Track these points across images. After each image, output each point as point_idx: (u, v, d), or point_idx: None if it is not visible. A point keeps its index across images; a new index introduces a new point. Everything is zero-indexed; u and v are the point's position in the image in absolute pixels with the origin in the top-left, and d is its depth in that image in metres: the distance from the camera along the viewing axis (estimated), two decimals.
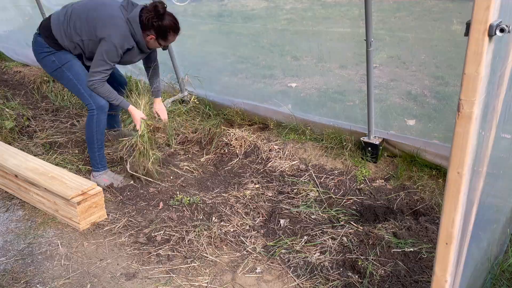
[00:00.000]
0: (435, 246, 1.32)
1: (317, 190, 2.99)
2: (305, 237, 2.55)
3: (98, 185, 2.85)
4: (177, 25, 2.82)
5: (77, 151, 3.60)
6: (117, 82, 3.29)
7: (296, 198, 2.93)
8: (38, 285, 2.27)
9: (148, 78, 3.33)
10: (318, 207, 2.81)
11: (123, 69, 4.90)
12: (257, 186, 3.10)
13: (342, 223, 2.65)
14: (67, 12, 2.86)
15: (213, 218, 2.76)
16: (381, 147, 3.19)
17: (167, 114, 3.40)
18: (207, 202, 2.93)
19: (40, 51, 2.90)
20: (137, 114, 3.02)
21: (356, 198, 2.89)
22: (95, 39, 2.77)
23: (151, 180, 3.13)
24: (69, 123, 4.07)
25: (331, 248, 2.45)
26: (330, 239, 2.51)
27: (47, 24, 2.88)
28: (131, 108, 3.01)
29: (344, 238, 2.52)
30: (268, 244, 2.53)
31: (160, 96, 3.34)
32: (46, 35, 2.86)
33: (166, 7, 2.76)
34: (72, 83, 2.91)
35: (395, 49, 3.71)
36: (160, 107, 3.31)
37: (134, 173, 3.12)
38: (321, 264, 2.34)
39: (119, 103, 2.97)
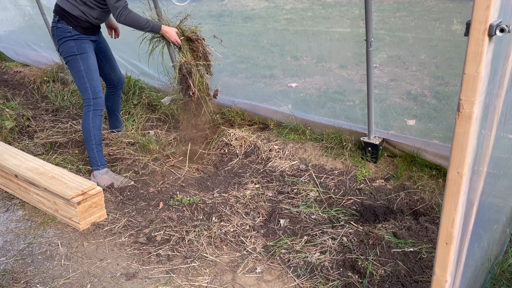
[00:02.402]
0: (435, 246, 1.31)
1: (317, 190, 2.99)
2: (305, 237, 2.55)
3: (98, 185, 2.86)
4: None
5: (77, 151, 3.60)
6: (117, 79, 3.52)
7: (296, 198, 2.93)
8: (38, 285, 2.27)
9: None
10: (318, 207, 2.81)
11: (123, 70, 4.90)
12: (257, 186, 3.10)
13: (342, 223, 2.65)
14: None
15: (213, 218, 2.76)
16: (381, 147, 3.19)
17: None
18: (207, 202, 2.93)
19: (62, 36, 3.00)
20: (172, 30, 3.12)
21: (356, 198, 2.89)
22: None
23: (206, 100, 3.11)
24: (69, 123, 4.07)
25: (331, 248, 2.45)
26: (330, 239, 2.51)
27: (57, 5, 3.03)
28: (164, 28, 3.10)
29: (344, 238, 2.52)
30: (268, 244, 2.53)
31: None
32: (64, 14, 2.98)
33: None
34: (80, 74, 3.01)
35: (395, 49, 3.72)
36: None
37: (196, 92, 3.02)
38: (321, 264, 2.34)
39: (152, 27, 3.06)
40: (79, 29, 3.00)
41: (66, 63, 3.10)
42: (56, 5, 3.03)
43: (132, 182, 3.16)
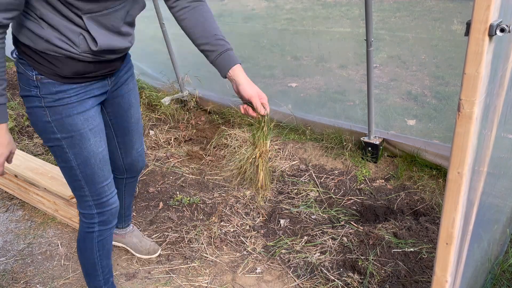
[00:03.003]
0: (435, 246, 1.31)
1: (317, 190, 2.98)
2: (305, 237, 2.54)
3: None
4: None
5: None
6: (130, 164, 2.05)
7: (296, 198, 2.93)
8: (38, 285, 2.27)
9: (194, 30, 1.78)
10: (318, 207, 2.81)
11: None
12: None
13: (342, 223, 2.65)
14: None
15: (213, 218, 2.76)
16: (381, 147, 3.19)
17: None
18: (207, 202, 2.93)
19: (26, 94, 1.49)
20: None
21: (356, 198, 2.88)
22: None
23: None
24: None
25: (331, 248, 2.44)
26: (330, 239, 2.51)
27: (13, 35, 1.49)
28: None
29: (344, 238, 2.51)
30: (268, 244, 2.53)
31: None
32: (23, 50, 1.45)
33: None
34: (73, 172, 1.62)
35: (395, 49, 3.71)
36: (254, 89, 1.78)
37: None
38: (321, 264, 2.33)
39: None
40: (57, 77, 1.45)
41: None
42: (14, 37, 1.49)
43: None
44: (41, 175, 2.82)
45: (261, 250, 2.48)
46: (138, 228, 2.69)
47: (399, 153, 3.19)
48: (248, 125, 3.87)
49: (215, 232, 2.61)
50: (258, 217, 2.77)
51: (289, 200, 2.91)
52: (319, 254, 2.41)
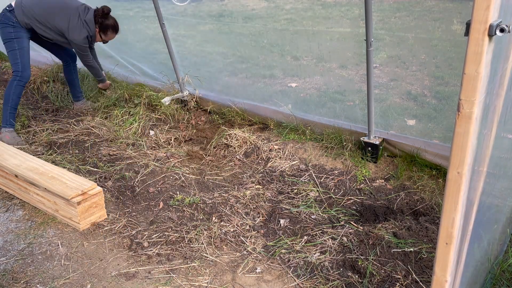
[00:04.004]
0: (435, 246, 1.31)
1: (317, 190, 2.99)
2: (305, 237, 2.55)
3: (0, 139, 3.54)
4: (116, 27, 3.78)
5: (77, 151, 3.60)
6: (68, 55, 4.19)
7: (296, 198, 2.93)
8: (38, 285, 2.27)
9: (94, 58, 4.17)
10: (318, 207, 2.81)
11: (123, 70, 4.90)
12: (257, 186, 3.10)
13: (342, 223, 2.65)
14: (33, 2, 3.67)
15: (213, 218, 2.76)
16: (381, 147, 3.19)
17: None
18: (207, 202, 2.93)
19: (4, 22, 3.65)
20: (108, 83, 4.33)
21: (356, 198, 2.89)
22: (56, 30, 3.70)
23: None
24: (69, 123, 4.07)
25: (331, 248, 2.45)
26: (330, 239, 2.51)
27: (18, 3, 3.69)
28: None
29: (344, 238, 2.52)
30: (268, 244, 2.53)
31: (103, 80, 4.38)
32: (16, 13, 3.66)
33: (110, 11, 3.70)
34: (14, 52, 3.66)
35: (395, 49, 3.72)
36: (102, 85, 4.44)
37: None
38: (321, 264, 2.34)
39: (102, 78, 4.22)
40: (22, 23, 3.65)
41: (4, 44, 3.72)
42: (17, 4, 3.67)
43: (25, 144, 3.68)
44: (41, 175, 2.82)
45: (261, 250, 2.48)
46: (138, 228, 2.69)
47: (399, 153, 3.19)
48: (248, 125, 3.87)
49: (215, 232, 2.61)
50: (258, 217, 2.77)
51: (289, 200, 2.91)
52: (319, 254, 2.41)
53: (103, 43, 3.96)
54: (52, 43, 3.97)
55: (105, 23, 3.70)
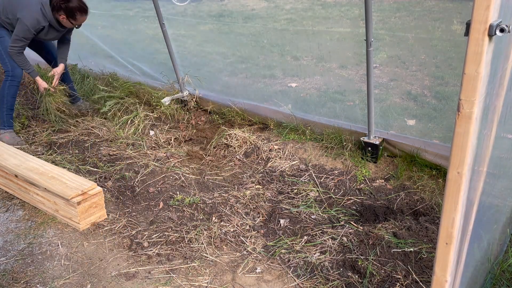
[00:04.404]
0: (435, 246, 1.31)
1: (317, 190, 2.99)
2: (305, 237, 2.55)
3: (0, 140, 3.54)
4: (83, 7, 3.43)
5: (77, 151, 3.60)
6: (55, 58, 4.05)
7: (296, 198, 2.93)
8: (38, 285, 2.27)
9: (58, 50, 3.93)
10: (318, 207, 2.81)
11: (123, 70, 4.90)
12: (257, 186, 3.10)
13: (342, 223, 2.65)
14: None
15: (213, 218, 2.76)
16: (381, 147, 3.19)
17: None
18: (207, 202, 2.93)
19: None
20: (42, 83, 3.80)
21: (356, 198, 2.89)
22: (16, 18, 3.45)
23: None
24: (69, 123, 4.07)
25: (331, 248, 2.45)
26: (330, 239, 2.51)
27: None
28: (38, 78, 3.76)
29: (344, 238, 2.52)
30: (268, 244, 2.53)
31: (64, 64, 3.94)
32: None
33: None
34: (0, 53, 3.62)
35: (395, 49, 3.72)
36: (57, 70, 3.90)
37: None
38: (321, 264, 2.34)
39: (30, 72, 3.68)
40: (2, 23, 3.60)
41: None
42: None
43: (25, 144, 3.68)
44: (41, 175, 2.82)
45: (261, 250, 2.48)
46: (138, 228, 2.69)
47: (399, 153, 3.19)
48: (248, 125, 3.87)
49: (215, 232, 2.61)
50: (258, 217, 2.77)
51: (289, 200, 2.91)
52: (319, 254, 2.41)
53: (76, 27, 3.61)
54: (35, 43, 3.88)
55: (70, 7, 3.37)
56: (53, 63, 4.07)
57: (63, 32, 3.71)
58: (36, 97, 4.72)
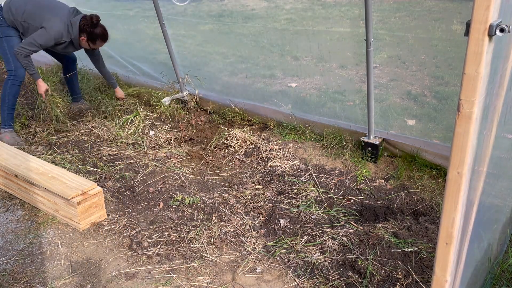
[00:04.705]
0: (435, 246, 1.31)
1: (317, 190, 2.99)
2: (305, 237, 2.55)
3: (0, 140, 3.57)
4: (106, 35, 3.69)
5: (77, 151, 3.60)
6: (66, 57, 4.21)
7: (296, 198, 2.93)
8: (38, 285, 2.27)
9: (102, 75, 4.25)
10: (318, 207, 2.81)
11: (123, 69, 4.89)
12: (257, 186, 3.10)
13: (342, 223, 2.65)
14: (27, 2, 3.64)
15: (213, 218, 2.76)
16: (381, 147, 3.19)
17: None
18: (207, 202, 2.93)
19: None
20: (43, 86, 3.79)
21: (356, 198, 2.89)
22: (38, 26, 3.56)
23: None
24: (69, 123, 4.07)
25: (331, 248, 2.45)
26: (330, 239, 2.51)
27: (6, 3, 3.71)
28: (40, 80, 3.76)
29: (344, 238, 2.52)
30: (268, 244, 2.53)
31: (117, 86, 4.29)
32: (4, 10, 3.68)
33: (99, 20, 3.62)
34: (5, 51, 3.67)
35: (395, 49, 3.71)
36: (119, 93, 4.28)
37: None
38: (321, 264, 2.34)
39: (32, 74, 3.69)
40: (9, 22, 3.66)
41: None
42: (6, 4, 3.69)
43: (25, 144, 3.70)
44: (41, 175, 2.82)
45: (261, 250, 2.48)
46: (138, 228, 2.69)
47: (399, 153, 3.19)
48: (248, 125, 3.87)
49: (215, 232, 2.61)
50: (258, 217, 2.77)
51: (289, 200, 2.91)
52: (319, 254, 2.41)
53: (92, 50, 3.91)
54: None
55: (94, 33, 3.61)
56: (64, 63, 4.24)
57: (79, 49, 3.90)
58: (36, 97, 4.73)
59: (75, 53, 4.18)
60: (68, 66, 4.24)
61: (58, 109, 3.95)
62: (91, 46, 3.73)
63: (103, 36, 3.68)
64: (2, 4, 3.70)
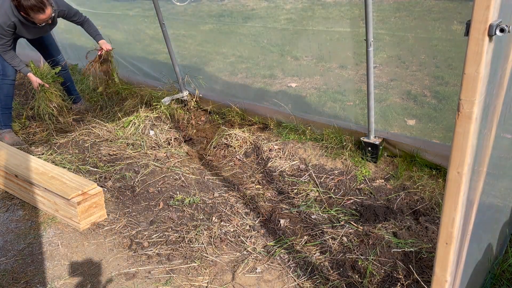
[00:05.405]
0: (435, 246, 1.31)
1: (317, 190, 2.99)
2: (305, 237, 2.55)
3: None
4: (36, 5, 3.29)
5: (77, 151, 3.60)
6: (56, 62, 4.11)
7: (296, 198, 2.93)
8: (38, 285, 2.27)
9: (87, 32, 3.97)
10: (318, 207, 2.81)
11: (123, 69, 4.89)
12: (257, 186, 3.10)
13: (342, 223, 2.65)
14: None
15: (213, 218, 2.76)
16: (381, 147, 3.19)
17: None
18: (207, 202, 2.93)
19: None
20: (35, 80, 3.74)
21: (356, 198, 2.89)
22: None
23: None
24: (68, 123, 4.07)
25: (331, 248, 2.45)
26: (330, 239, 2.51)
27: None
28: (30, 74, 3.70)
29: (344, 238, 2.52)
30: (268, 244, 2.53)
31: (103, 38, 3.98)
32: None
33: None
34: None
35: (395, 49, 3.71)
36: (103, 42, 3.97)
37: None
38: (321, 264, 2.34)
39: (20, 69, 3.61)
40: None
41: None
42: None
43: (25, 144, 3.68)
44: (41, 175, 2.82)
45: (261, 250, 2.48)
46: (138, 228, 2.69)
47: (399, 153, 3.19)
48: (248, 125, 3.87)
49: (215, 232, 2.61)
50: (258, 217, 2.77)
51: (289, 200, 2.91)
52: (319, 254, 2.41)
53: (39, 24, 3.48)
54: (36, 42, 3.94)
55: (22, 4, 3.28)
56: (50, 62, 4.10)
57: (46, 26, 3.62)
58: (36, 97, 4.72)
59: (64, 52, 4.10)
60: (47, 56, 4.08)
61: (52, 104, 3.88)
62: (29, 19, 3.41)
63: (33, 7, 3.30)
64: None
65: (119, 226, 2.71)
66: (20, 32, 3.56)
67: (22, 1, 3.25)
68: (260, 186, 3.09)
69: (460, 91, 1.09)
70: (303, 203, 2.86)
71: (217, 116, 4.10)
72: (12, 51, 3.55)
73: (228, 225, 2.69)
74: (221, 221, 2.73)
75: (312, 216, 2.73)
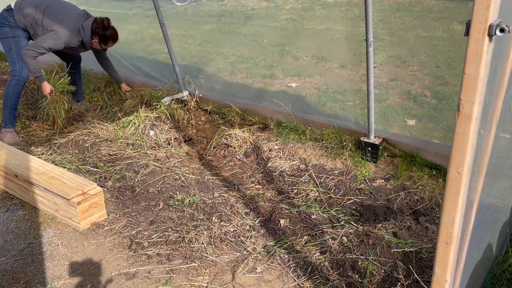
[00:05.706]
0: (435, 246, 1.31)
1: (317, 190, 2.99)
2: (305, 237, 2.55)
3: (0, 139, 3.62)
4: (116, 37, 3.81)
5: (77, 151, 3.60)
6: (76, 59, 4.28)
7: (296, 198, 2.93)
8: (38, 285, 2.27)
9: (108, 72, 4.38)
10: (318, 207, 2.81)
11: (124, 69, 4.89)
12: (257, 186, 3.10)
13: (342, 223, 2.65)
14: (40, 4, 3.68)
15: (213, 218, 2.76)
16: (381, 147, 3.19)
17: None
18: (207, 202, 2.93)
19: (1, 21, 3.70)
20: (48, 87, 3.79)
21: (356, 198, 2.89)
22: (48, 29, 3.61)
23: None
24: (68, 123, 4.07)
25: (331, 248, 2.45)
26: (330, 239, 2.51)
27: (17, 4, 3.74)
28: (45, 83, 3.78)
29: (344, 238, 2.52)
30: (268, 244, 2.53)
31: (123, 82, 4.42)
32: (15, 12, 3.71)
33: (110, 22, 3.74)
34: (11, 51, 3.70)
35: (395, 49, 3.71)
36: (125, 87, 4.42)
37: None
38: (321, 264, 2.34)
39: (38, 77, 3.70)
40: (20, 23, 3.69)
41: (1, 43, 3.77)
42: (17, 5, 3.72)
43: (25, 144, 3.71)
44: (41, 175, 2.82)
45: (261, 250, 2.48)
46: (138, 228, 2.69)
47: (399, 153, 3.19)
48: (248, 125, 3.87)
49: (215, 232, 2.61)
50: (258, 217, 2.77)
51: (289, 200, 2.91)
52: (319, 254, 2.41)
53: (103, 50, 4.04)
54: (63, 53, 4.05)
55: (106, 35, 3.73)
56: (70, 64, 4.24)
57: (88, 50, 3.98)
58: (37, 97, 4.73)
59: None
60: (74, 65, 4.26)
61: (63, 112, 3.95)
62: (102, 47, 3.85)
63: (114, 38, 3.81)
64: (13, 5, 3.73)
65: (119, 226, 2.71)
66: (67, 51, 3.83)
67: (107, 32, 3.69)
68: (260, 186, 3.09)
69: (460, 91, 1.09)
70: (303, 203, 2.86)
71: (217, 116, 4.10)
72: (36, 59, 3.63)
73: (228, 225, 2.69)
74: (221, 221, 2.73)
75: (312, 216, 2.73)
